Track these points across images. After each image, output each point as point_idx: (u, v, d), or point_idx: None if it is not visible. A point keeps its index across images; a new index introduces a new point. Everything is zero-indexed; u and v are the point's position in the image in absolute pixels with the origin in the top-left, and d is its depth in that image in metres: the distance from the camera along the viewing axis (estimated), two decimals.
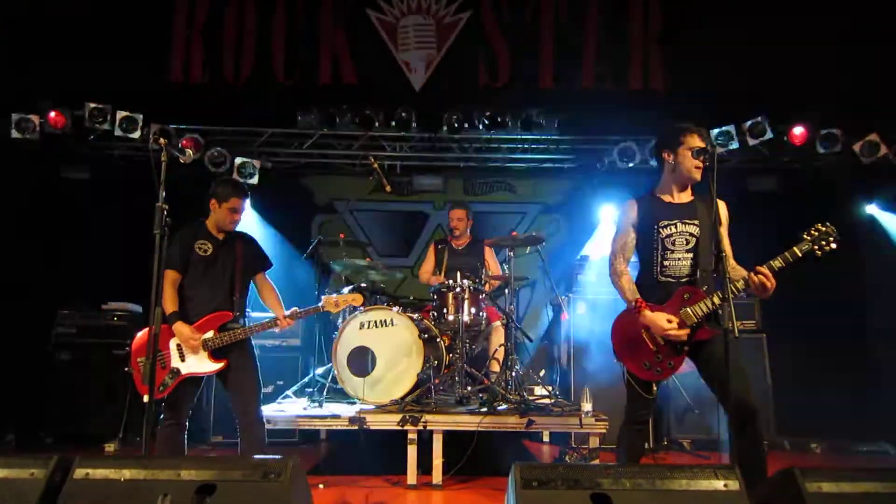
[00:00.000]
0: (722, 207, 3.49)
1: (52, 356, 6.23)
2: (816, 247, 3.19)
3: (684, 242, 3.43)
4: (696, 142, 3.41)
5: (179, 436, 4.00)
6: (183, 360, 3.96)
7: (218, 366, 4.00)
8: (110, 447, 5.84)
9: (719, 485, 2.27)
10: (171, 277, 4.01)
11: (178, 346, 3.99)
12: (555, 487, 2.28)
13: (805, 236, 3.22)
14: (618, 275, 3.55)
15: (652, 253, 3.48)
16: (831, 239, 3.19)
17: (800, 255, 3.20)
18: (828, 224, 3.23)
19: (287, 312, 4.22)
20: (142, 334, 4.02)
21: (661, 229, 3.46)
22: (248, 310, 4.29)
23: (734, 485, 2.27)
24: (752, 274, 3.21)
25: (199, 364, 3.99)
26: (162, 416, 3.95)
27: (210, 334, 4.01)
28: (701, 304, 3.30)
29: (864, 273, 6.96)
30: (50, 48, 6.89)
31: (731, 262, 3.41)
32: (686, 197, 3.56)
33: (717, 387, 3.28)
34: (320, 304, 4.25)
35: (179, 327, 3.94)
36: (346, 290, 5.45)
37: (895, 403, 6.16)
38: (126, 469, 2.40)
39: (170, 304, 3.96)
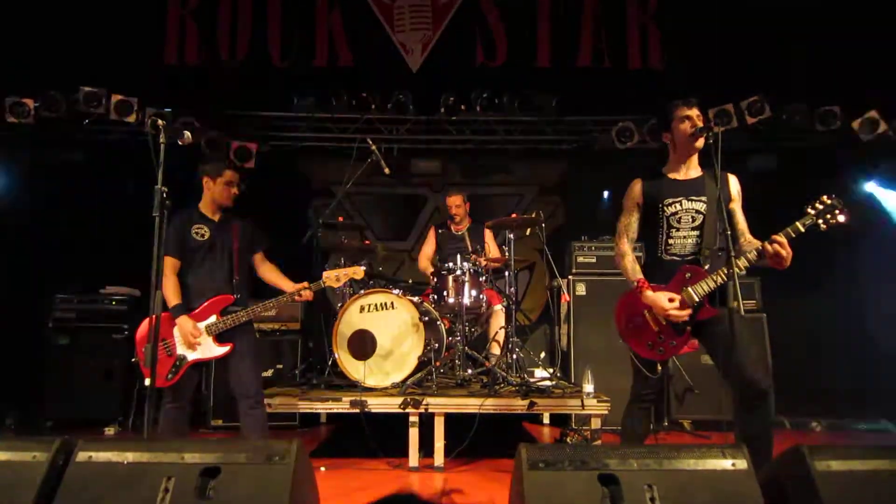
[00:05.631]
0: (732, 182, 3.46)
1: (51, 341, 6.20)
2: (821, 220, 3.12)
3: (690, 220, 3.40)
4: (683, 112, 3.40)
5: (183, 419, 4.00)
6: (192, 347, 3.95)
7: (224, 349, 3.99)
8: (111, 431, 5.85)
9: (727, 464, 2.26)
10: (171, 264, 3.99)
11: None
12: (562, 468, 2.27)
13: (809, 210, 3.15)
14: (621, 255, 3.54)
15: (657, 231, 3.46)
16: (837, 211, 3.11)
17: (802, 229, 3.13)
18: (833, 196, 3.14)
19: (301, 286, 4.16)
20: (145, 323, 3.99)
21: (665, 207, 3.43)
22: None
23: (742, 464, 2.26)
24: (767, 243, 3.14)
25: (205, 350, 3.98)
26: (164, 400, 3.94)
27: (213, 319, 3.99)
28: (702, 282, 3.27)
29: (863, 250, 6.94)
30: (43, 31, 6.81)
31: (747, 235, 3.38)
32: (694, 173, 3.51)
33: (726, 365, 3.25)
34: (321, 281, 4.21)
35: (182, 321, 3.92)
36: None
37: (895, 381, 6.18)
38: (129, 452, 2.38)
39: (172, 294, 3.95)
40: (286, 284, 4.24)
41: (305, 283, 4.18)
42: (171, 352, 3.95)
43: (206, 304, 4.01)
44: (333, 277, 4.22)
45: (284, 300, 4.18)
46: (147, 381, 3.12)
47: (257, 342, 4.23)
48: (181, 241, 4.04)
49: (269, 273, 4.34)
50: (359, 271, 4.35)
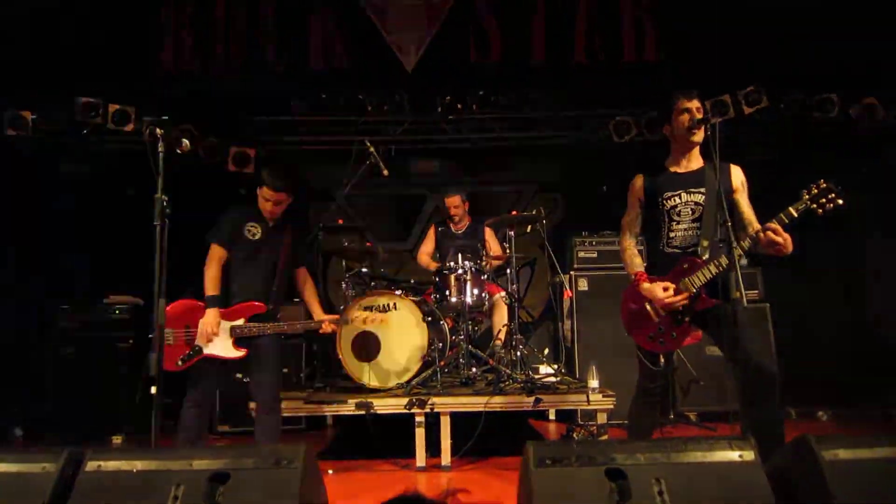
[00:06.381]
0: (735, 172, 3.45)
1: (56, 351, 6.19)
2: (815, 205, 3.05)
3: (689, 212, 3.40)
4: (683, 104, 3.40)
5: (204, 422, 4.00)
6: (209, 341, 3.97)
7: (238, 354, 4.02)
8: (118, 439, 5.85)
9: (734, 456, 2.27)
10: (219, 254, 4.05)
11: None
12: (569, 464, 2.27)
13: (804, 194, 3.10)
14: (622, 250, 3.59)
15: (659, 225, 3.48)
16: (833, 195, 3.03)
17: (796, 214, 3.08)
18: (829, 181, 3.07)
19: (331, 318, 4.26)
20: (178, 304, 4.01)
21: (665, 201, 3.44)
22: None
23: (749, 455, 2.26)
24: (760, 231, 3.12)
25: (222, 348, 4.00)
26: (185, 399, 3.96)
27: (240, 321, 4.03)
28: (699, 273, 3.28)
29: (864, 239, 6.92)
30: (37, 43, 6.80)
31: (755, 225, 3.32)
32: (695, 164, 3.51)
33: (733, 355, 3.24)
34: (349, 319, 4.35)
35: (211, 313, 3.94)
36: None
37: None
38: (138, 460, 2.39)
39: (212, 285, 3.99)
40: (317, 311, 4.33)
41: (336, 316, 4.32)
42: (191, 340, 3.97)
43: (238, 305, 4.05)
44: (361, 320, 4.30)
45: (313, 326, 4.25)
46: (153, 390, 3.12)
47: (281, 348, 4.24)
48: (234, 233, 4.08)
49: (309, 293, 4.40)
50: (386, 320, 4.68)
